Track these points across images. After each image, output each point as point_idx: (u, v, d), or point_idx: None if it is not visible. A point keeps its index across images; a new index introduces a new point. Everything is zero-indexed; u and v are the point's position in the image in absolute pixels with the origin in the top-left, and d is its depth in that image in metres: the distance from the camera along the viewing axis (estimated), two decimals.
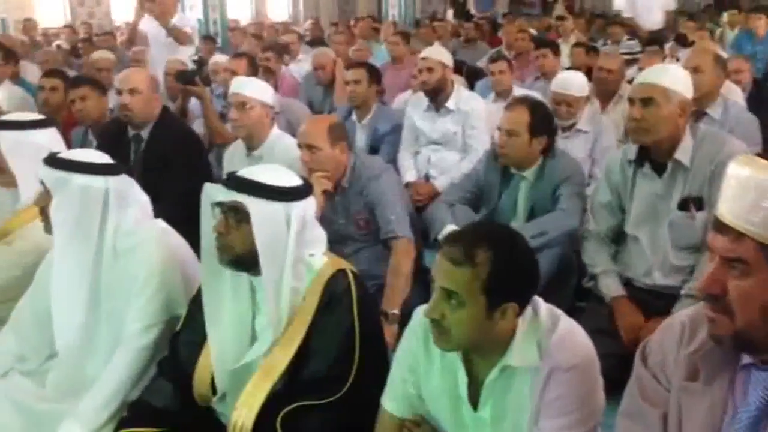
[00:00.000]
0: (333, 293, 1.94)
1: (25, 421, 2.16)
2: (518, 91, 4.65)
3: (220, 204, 1.90)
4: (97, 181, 2.13)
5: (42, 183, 2.15)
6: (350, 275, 1.98)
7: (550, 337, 1.61)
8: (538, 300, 1.68)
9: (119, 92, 3.47)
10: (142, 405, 2.02)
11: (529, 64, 6.10)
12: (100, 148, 3.66)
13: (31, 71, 5.92)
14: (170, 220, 2.42)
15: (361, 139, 4.26)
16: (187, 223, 1.95)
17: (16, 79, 5.22)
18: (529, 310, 1.64)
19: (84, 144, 3.94)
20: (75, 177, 2.10)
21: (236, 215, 1.88)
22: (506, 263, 1.56)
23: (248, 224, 1.86)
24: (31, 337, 2.27)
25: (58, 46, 8.48)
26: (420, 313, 1.73)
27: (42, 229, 2.24)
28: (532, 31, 7.44)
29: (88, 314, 2.17)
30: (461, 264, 1.55)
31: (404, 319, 2.22)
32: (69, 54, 7.85)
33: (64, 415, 2.07)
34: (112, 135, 3.61)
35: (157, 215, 2.43)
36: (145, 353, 2.14)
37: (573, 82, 3.86)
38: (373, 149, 4.22)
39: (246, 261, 1.90)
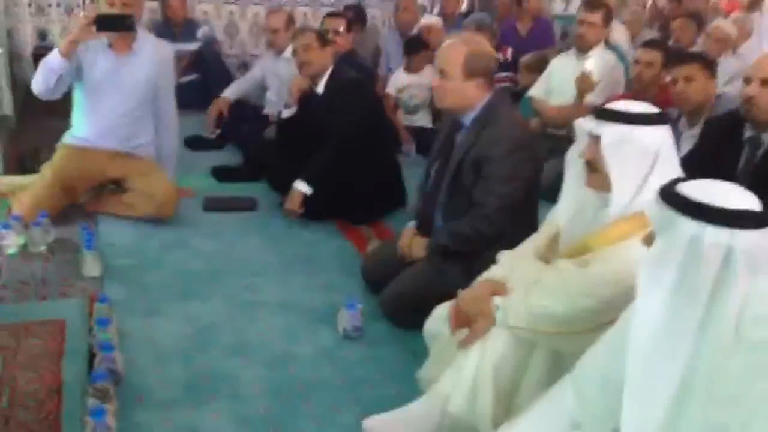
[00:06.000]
0: None
1: None
2: None
3: None
4: (720, 235, 1.43)
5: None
6: None
7: None
8: None
9: (747, 80, 2.67)
10: None
11: None
12: (701, 146, 2.99)
13: (619, 34, 5.43)
14: None
15: None
16: None
17: (608, 43, 4.67)
18: None
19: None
20: (684, 221, 1.44)
21: None
22: None
23: None
24: (593, 401, 1.72)
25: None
26: None
27: (625, 258, 1.84)
28: None
29: (669, 414, 1.52)
30: None
31: None
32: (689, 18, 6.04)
33: None
34: (723, 130, 2.84)
35: None
36: None
37: None
38: None
39: None
